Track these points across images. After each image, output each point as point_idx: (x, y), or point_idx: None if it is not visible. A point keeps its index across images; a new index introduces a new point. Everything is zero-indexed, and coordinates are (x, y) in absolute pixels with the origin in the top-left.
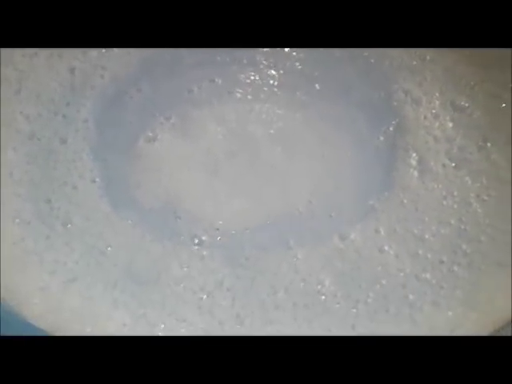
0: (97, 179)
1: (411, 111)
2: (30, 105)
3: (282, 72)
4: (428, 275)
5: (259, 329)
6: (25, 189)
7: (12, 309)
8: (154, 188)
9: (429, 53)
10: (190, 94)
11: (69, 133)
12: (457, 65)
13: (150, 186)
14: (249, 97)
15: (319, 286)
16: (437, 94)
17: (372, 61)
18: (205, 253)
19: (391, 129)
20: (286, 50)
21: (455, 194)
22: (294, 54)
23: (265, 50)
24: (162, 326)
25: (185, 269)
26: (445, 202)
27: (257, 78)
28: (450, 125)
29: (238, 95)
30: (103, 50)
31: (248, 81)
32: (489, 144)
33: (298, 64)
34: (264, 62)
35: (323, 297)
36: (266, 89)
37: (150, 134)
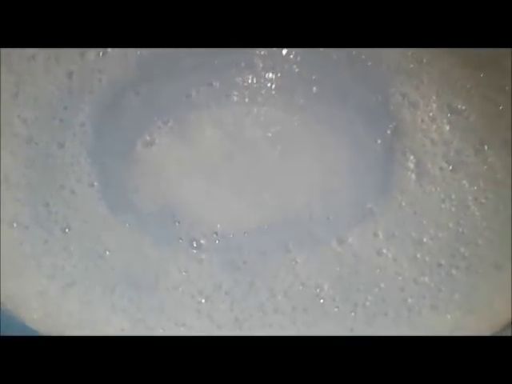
0: (95, 183)
1: (408, 114)
2: (28, 108)
3: (279, 75)
4: (426, 278)
5: (258, 332)
6: (23, 193)
7: (10, 313)
8: (152, 192)
9: (425, 55)
10: (187, 98)
11: (66, 137)
12: (453, 67)
13: (148, 189)
14: (246, 100)
15: (318, 290)
16: (433, 97)
17: (369, 64)
18: (203, 256)
19: (388, 132)
20: (284, 53)
21: (453, 197)
22: (292, 57)
23: (262, 53)
24: (161, 330)
25: (183, 273)
26: (443, 205)
27: (254, 82)
28: (447, 128)
29: (236, 98)
30: (100, 53)
31: (246, 84)
32: (486, 147)
33: (295, 67)
34: (261, 65)
35: (322, 300)
36: (263, 92)
37: (148, 138)
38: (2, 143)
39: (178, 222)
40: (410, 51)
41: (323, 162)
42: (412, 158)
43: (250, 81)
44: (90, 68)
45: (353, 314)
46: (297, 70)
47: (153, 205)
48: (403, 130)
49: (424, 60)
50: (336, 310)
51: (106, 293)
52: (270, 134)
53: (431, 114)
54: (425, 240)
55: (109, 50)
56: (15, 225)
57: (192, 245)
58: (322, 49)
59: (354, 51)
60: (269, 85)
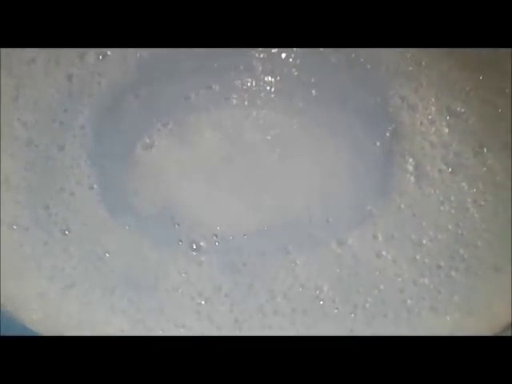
0: (94, 185)
1: (407, 117)
2: (28, 111)
3: (278, 78)
4: (426, 280)
5: (257, 334)
6: (23, 195)
7: (10, 314)
8: (152, 194)
9: (424, 58)
10: (187, 101)
11: (66, 139)
12: (452, 70)
13: (147, 192)
14: (246, 103)
15: (317, 292)
16: (433, 100)
17: (368, 67)
18: (203, 258)
19: (388, 134)
20: (283, 56)
21: (452, 199)
22: (291, 60)
23: (261, 56)
24: (160, 331)
25: (183, 274)
26: (442, 208)
27: (253, 85)
28: (446, 130)
29: (235, 101)
30: (100, 56)
31: (245, 87)
32: (485, 149)
33: (294, 70)
34: (261, 68)
35: (321, 302)
36: (262, 95)
37: (148, 141)
38: (2, 146)
39: (178, 224)
40: (408, 54)
41: (322, 164)
42: (411, 160)
43: (249, 84)
44: (90, 71)
45: (352, 315)
46: (296, 73)
47: (152, 207)
48: (402, 133)
49: (423, 62)
50: (336, 311)
51: (105, 294)
52: (269, 137)
53: (430, 117)
54: (424, 242)
55: (108, 52)
56: (15, 227)
57: (192, 247)
58: (320, 52)
59: (353, 54)
60: (268, 88)
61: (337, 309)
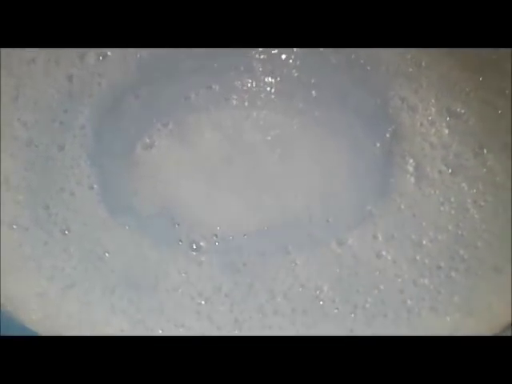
0: (94, 185)
1: (407, 118)
2: (28, 111)
3: (278, 79)
4: (426, 280)
5: (257, 334)
6: (22, 195)
7: (10, 314)
8: (152, 194)
9: (424, 59)
10: (187, 101)
11: (66, 139)
12: (452, 71)
13: (147, 191)
14: (246, 103)
15: (317, 292)
16: (432, 101)
17: (368, 68)
18: (203, 258)
19: (388, 135)
20: (283, 57)
21: (452, 199)
22: (291, 61)
23: (261, 56)
24: (160, 331)
25: (183, 274)
26: (442, 208)
27: (254, 85)
28: (446, 131)
29: (235, 102)
30: (100, 57)
31: (245, 88)
32: (485, 150)
33: (294, 71)
34: (261, 69)
35: (321, 302)
36: (262, 95)
37: (148, 141)
38: (2, 146)
39: (178, 224)
40: (408, 54)
41: (323, 165)
42: (411, 161)
43: (249, 84)
44: (90, 71)
45: (352, 315)
46: (296, 74)
47: (152, 207)
48: (402, 134)
49: (423, 63)
50: (336, 311)
51: (105, 294)
52: (269, 138)
53: (430, 118)
54: (424, 242)
55: (108, 53)
56: (15, 227)
57: (192, 247)
58: (320, 52)
59: (353, 55)
60: (268, 88)
61: (337, 309)
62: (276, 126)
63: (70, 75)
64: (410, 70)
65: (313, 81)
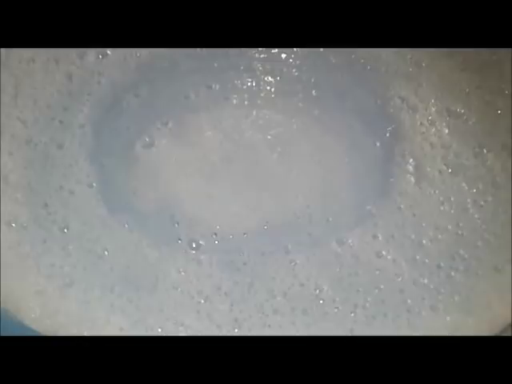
0: (94, 184)
1: (407, 118)
2: (27, 110)
3: (278, 78)
4: (426, 280)
5: (257, 333)
6: (21, 193)
7: (9, 313)
8: (151, 193)
9: (424, 59)
10: (186, 100)
11: (66, 138)
12: (452, 71)
13: (147, 190)
14: (246, 103)
15: (317, 291)
16: (432, 101)
17: (368, 67)
18: (202, 257)
19: (388, 135)
20: (283, 56)
21: (452, 199)
22: (291, 60)
23: (261, 56)
24: (160, 330)
25: (182, 273)
26: (442, 208)
27: (253, 85)
28: (446, 131)
29: (235, 101)
30: (100, 56)
31: (245, 87)
32: (485, 150)
33: (294, 70)
34: (261, 68)
35: (321, 301)
36: (262, 95)
37: (147, 140)
38: (2, 144)
39: (177, 223)
40: (409, 54)
41: (322, 164)
42: (411, 160)
43: (249, 84)
44: (90, 70)
45: (352, 314)
46: (296, 74)
47: (152, 206)
48: (402, 134)
49: (423, 63)
50: (336, 310)
51: (104, 293)
52: (269, 137)
53: (430, 118)
54: (424, 242)
55: (108, 52)
56: (14, 225)
57: (191, 245)
58: (320, 52)
59: (353, 55)
60: (268, 88)
61: (337, 308)
62: (276, 126)
63: (69, 74)
64: (410, 69)
65: (313, 80)
